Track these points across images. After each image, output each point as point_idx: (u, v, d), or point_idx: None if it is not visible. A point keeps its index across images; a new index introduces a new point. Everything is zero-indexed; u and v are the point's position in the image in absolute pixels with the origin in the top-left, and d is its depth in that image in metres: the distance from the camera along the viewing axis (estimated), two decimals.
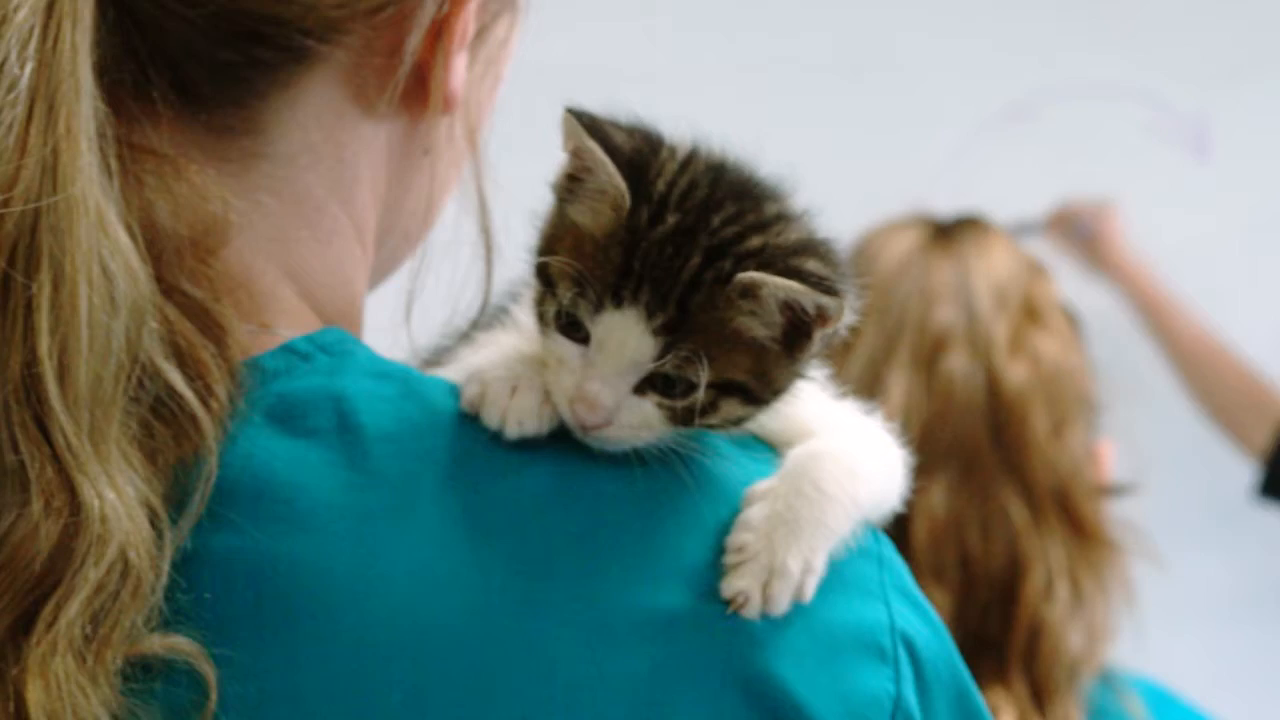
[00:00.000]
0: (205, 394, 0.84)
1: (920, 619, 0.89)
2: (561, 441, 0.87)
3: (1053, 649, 1.67)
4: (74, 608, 0.78)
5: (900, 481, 0.94)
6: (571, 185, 0.89)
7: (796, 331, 0.87)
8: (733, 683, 0.82)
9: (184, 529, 0.81)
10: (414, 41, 0.91)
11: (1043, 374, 1.72)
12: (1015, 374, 1.71)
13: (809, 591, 0.85)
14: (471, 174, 0.98)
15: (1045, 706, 1.66)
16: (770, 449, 0.91)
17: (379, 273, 1.00)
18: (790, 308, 0.86)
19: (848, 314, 0.86)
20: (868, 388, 1.67)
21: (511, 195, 0.98)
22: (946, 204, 2.04)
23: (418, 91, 0.93)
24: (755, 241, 0.87)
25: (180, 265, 0.86)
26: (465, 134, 0.97)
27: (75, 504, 0.79)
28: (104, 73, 0.83)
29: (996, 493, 1.70)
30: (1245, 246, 2.97)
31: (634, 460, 0.86)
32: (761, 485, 0.87)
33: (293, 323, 0.92)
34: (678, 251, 0.85)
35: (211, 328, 0.86)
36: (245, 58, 0.89)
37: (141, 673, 0.80)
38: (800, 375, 0.90)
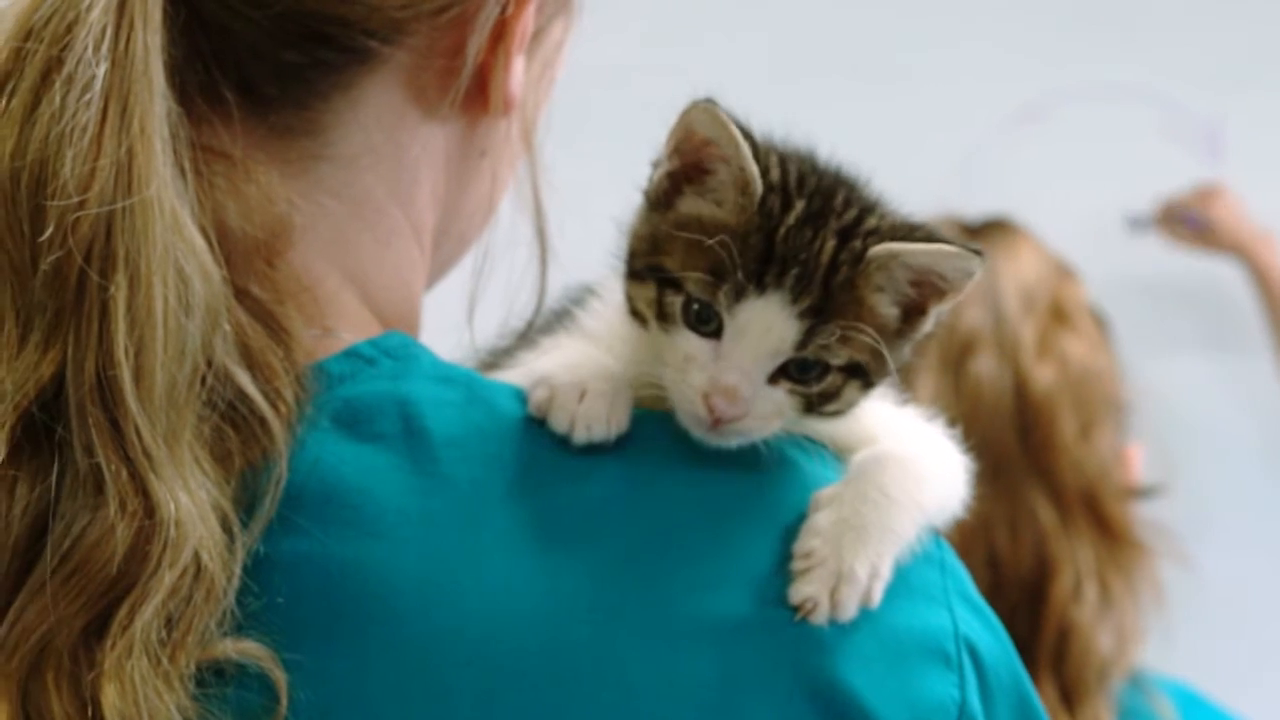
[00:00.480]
0: (274, 397, 0.84)
1: (983, 624, 0.89)
2: (627, 447, 0.87)
3: (1082, 650, 1.67)
4: (149, 611, 0.78)
5: (961, 487, 0.94)
6: (675, 182, 0.90)
7: (911, 311, 0.90)
8: (801, 689, 0.82)
9: (254, 532, 0.81)
10: (477, 43, 0.91)
11: (1070, 376, 1.73)
12: (1043, 376, 1.72)
13: (876, 597, 0.85)
14: (527, 176, 0.98)
15: (1075, 708, 1.66)
16: (833, 455, 0.91)
17: (433, 275, 1.00)
18: (919, 280, 0.88)
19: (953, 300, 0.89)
20: (896, 390, 1.67)
21: (567, 198, 0.98)
22: (961, 206, 2.05)
23: (477, 93, 0.93)
24: (871, 221, 0.89)
25: (249, 268, 0.87)
26: (521, 136, 0.97)
27: (150, 507, 0.79)
28: (175, 74, 0.84)
29: (1025, 494, 1.71)
30: None
31: (701, 464, 0.87)
32: (828, 491, 0.87)
33: (354, 326, 0.91)
34: (815, 235, 0.87)
35: (278, 331, 0.86)
36: (309, 59, 0.89)
37: (214, 677, 0.79)
38: (904, 359, 0.91)
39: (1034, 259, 1.80)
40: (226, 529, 0.81)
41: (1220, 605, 2.67)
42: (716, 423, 0.86)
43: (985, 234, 1.84)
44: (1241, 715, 1.84)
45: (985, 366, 1.72)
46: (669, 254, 0.89)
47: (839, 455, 0.91)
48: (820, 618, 0.83)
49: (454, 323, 0.99)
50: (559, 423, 0.86)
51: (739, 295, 0.86)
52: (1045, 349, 1.74)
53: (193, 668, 0.79)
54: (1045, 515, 1.70)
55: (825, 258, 0.87)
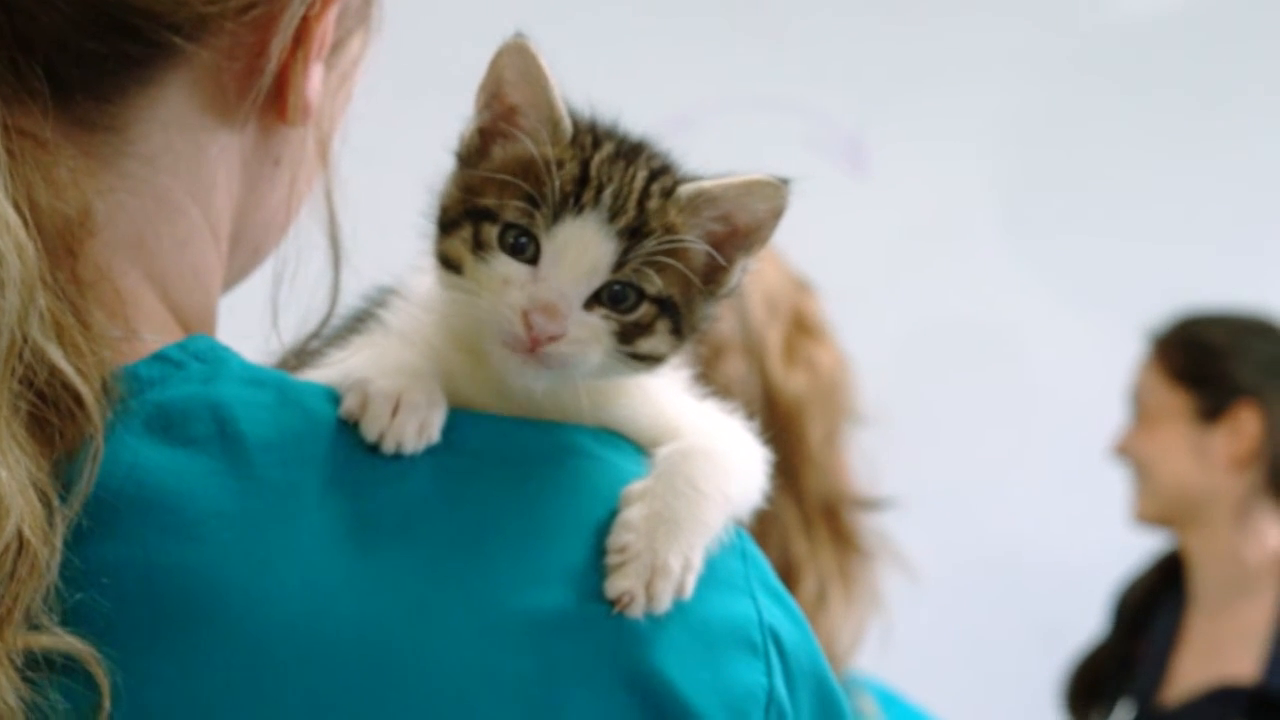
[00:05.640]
0: (85, 374, 0.83)
1: (784, 613, 0.91)
2: (441, 449, 0.87)
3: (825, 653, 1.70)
4: None
5: (762, 479, 0.96)
6: (487, 140, 0.93)
7: (717, 264, 0.92)
8: (620, 681, 0.84)
9: (74, 507, 0.81)
10: (279, 45, 0.91)
11: (820, 385, 1.76)
12: (794, 383, 1.74)
13: (689, 588, 0.86)
14: (321, 188, 0.98)
15: None
16: (638, 449, 0.93)
17: (227, 283, 0.99)
18: (730, 221, 0.91)
19: (758, 250, 0.93)
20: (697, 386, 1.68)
21: (363, 205, 0.99)
22: None
23: (276, 98, 0.93)
24: (682, 172, 0.93)
25: (53, 254, 0.86)
26: (317, 147, 0.97)
27: None
28: None
29: (772, 497, 1.73)
30: (888, 252, 3.16)
31: (512, 462, 0.88)
32: (638, 485, 0.88)
33: (157, 328, 0.91)
34: (627, 165, 0.90)
35: (82, 317, 0.85)
36: (112, 50, 0.88)
37: (45, 666, 0.79)
38: (710, 316, 0.94)
39: (774, 270, 1.83)
40: (46, 504, 0.80)
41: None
42: (534, 343, 0.88)
43: None
44: (937, 714, 1.91)
45: (734, 370, 1.75)
46: (484, 194, 0.91)
47: (644, 450, 0.93)
48: (637, 610, 0.85)
49: (241, 330, 0.98)
50: (369, 433, 0.86)
51: (557, 216, 0.89)
52: (793, 357, 1.77)
53: (21, 646, 0.78)
54: (790, 518, 1.73)
55: (639, 184, 0.90)
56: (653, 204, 0.90)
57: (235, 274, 1.00)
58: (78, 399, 0.82)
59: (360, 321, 0.97)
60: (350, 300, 0.99)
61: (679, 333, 0.92)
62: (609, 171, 0.90)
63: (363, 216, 0.98)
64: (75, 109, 0.89)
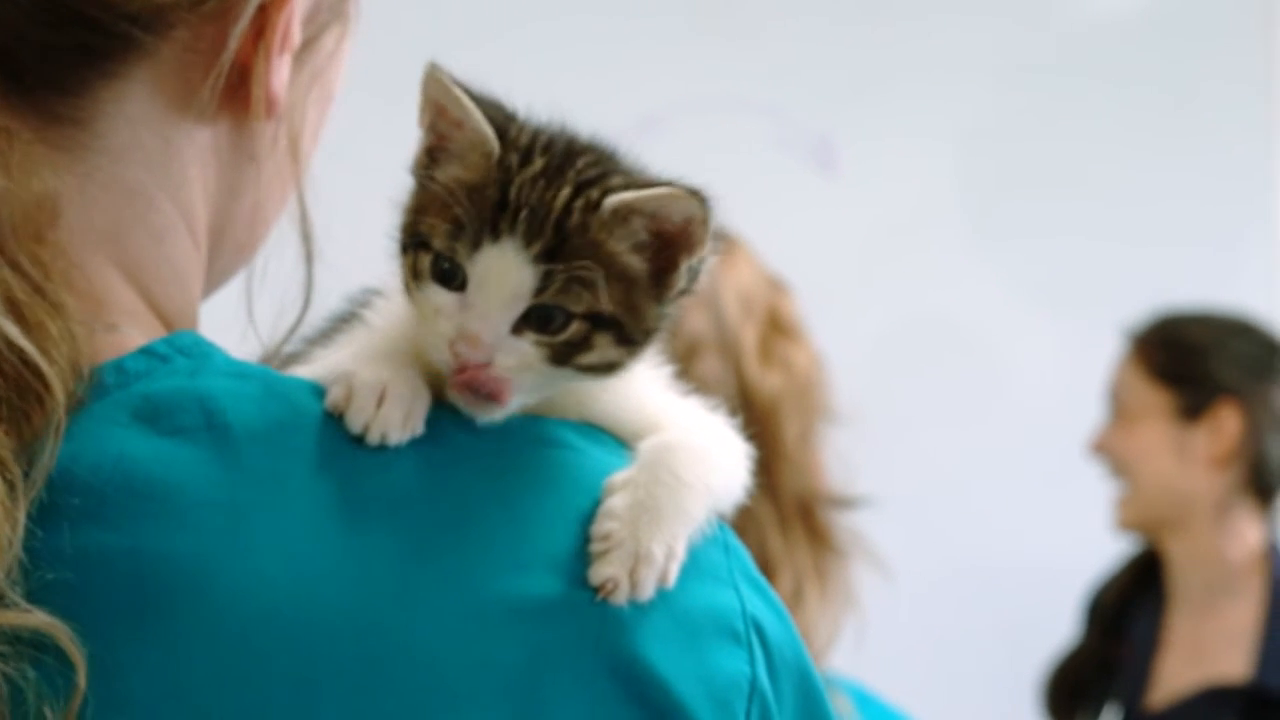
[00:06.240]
0: (49, 352, 0.83)
1: (766, 605, 0.92)
2: (425, 440, 0.88)
3: None
4: None
5: (744, 474, 0.97)
6: (432, 157, 0.92)
7: (663, 267, 0.92)
8: (604, 667, 0.84)
9: (37, 481, 0.81)
10: (237, 32, 0.91)
11: (796, 384, 1.77)
12: (770, 382, 1.75)
13: (672, 577, 0.87)
14: (297, 185, 0.98)
15: None
16: (621, 443, 0.93)
17: (212, 283, 1.00)
18: (658, 228, 0.90)
19: (710, 246, 0.91)
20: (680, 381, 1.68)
21: (338, 204, 0.99)
22: None
23: (240, 93, 0.93)
24: (618, 180, 0.91)
25: (17, 235, 0.86)
26: (288, 144, 0.97)
27: None
28: None
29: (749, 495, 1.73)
30: (858, 252, 3.16)
31: (496, 453, 0.88)
32: (621, 475, 0.89)
33: (138, 323, 0.91)
34: (549, 185, 0.89)
35: (51, 303, 0.86)
36: (72, 42, 0.89)
37: (17, 643, 0.79)
38: (668, 316, 0.94)
39: (750, 270, 1.83)
40: (7, 480, 0.80)
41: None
42: (462, 371, 0.88)
43: None
44: (911, 713, 1.91)
45: (710, 369, 1.75)
46: (424, 219, 0.91)
47: (627, 444, 0.93)
48: (620, 598, 0.85)
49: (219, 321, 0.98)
50: (354, 424, 0.87)
51: (476, 243, 0.88)
52: (768, 356, 1.77)
53: None
54: (765, 517, 1.74)
55: (559, 204, 0.89)
56: (573, 222, 0.89)
57: (219, 273, 1.00)
58: (38, 375, 0.82)
59: (344, 322, 0.98)
60: (332, 301, 1.00)
61: (629, 340, 0.92)
62: (528, 193, 0.89)
63: (339, 216, 0.99)
64: (40, 102, 0.90)
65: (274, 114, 0.94)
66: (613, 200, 0.89)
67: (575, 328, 0.90)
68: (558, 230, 0.88)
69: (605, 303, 0.90)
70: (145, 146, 0.92)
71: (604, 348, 0.91)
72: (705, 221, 0.90)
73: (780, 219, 2.88)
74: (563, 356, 0.90)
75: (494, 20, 2.92)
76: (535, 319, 0.89)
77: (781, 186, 3.11)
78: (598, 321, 0.90)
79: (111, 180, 0.91)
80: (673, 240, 0.91)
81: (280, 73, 0.93)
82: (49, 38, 0.88)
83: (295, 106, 0.97)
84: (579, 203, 0.89)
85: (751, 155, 3.08)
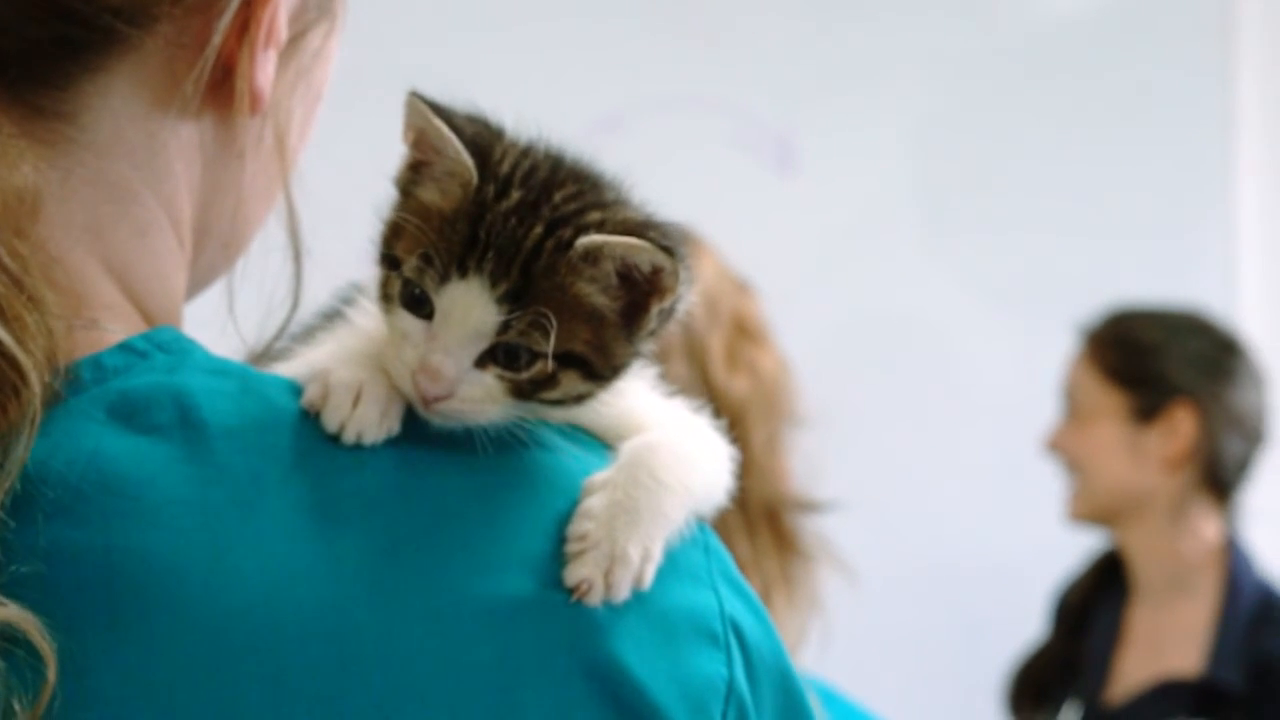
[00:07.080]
0: (26, 344, 0.83)
1: (746, 606, 0.92)
2: (401, 439, 0.88)
3: None
4: None
5: (726, 476, 0.97)
6: (416, 172, 0.91)
7: (635, 306, 0.91)
8: (578, 669, 0.84)
9: (11, 473, 0.81)
10: (221, 26, 0.91)
11: (763, 389, 1.76)
12: (737, 387, 1.74)
13: (648, 578, 0.87)
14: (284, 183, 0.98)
15: None
16: (602, 444, 0.93)
17: (198, 281, 1.00)
18: (628, 273, 0.89)
19: (684, 289, 0.90)
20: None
21: (325, 201, 0.99)
22: None
23: (225, 88, 0.93)
24: (595, 216, 0.90)
25: None
26: (274, 141, 0.97)
27: None
28: None
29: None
30: (816, 251, 3.17)
31: (474, 451, 0.88)
32: (599, 476, 0.89)
33: (119, 319, 0.91)
34: (521, 222, 0.88)
35: (30, 296, 0.85)
36: (55, 35, 0.89)
37: None
38: (638, 354, 0.93)
39: (714, 271, 1.82)
40: None
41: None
42: (424, 402, 0.88)
43: None
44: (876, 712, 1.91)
45: (676, 374, 1.74)
46: (400, 239, 0.91)
47: (608, 444, 0.93)
48: (595, 599, 0.85)
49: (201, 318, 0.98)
50: (330, 423, 0.86)
51: (444, 276, 0.88)
52: (735, 361, 1.77)
53: None
54: (733, 522, 1.73)
55: (528, 244, 0.88)
56: (542, 264, 0.88)
57: (205, 270, 1.00)
58: (15, 366, 0.82)
59: (329, 319, 0.98)
60: (317, 296, 1.00)
61: (597, 376, 0.91)
62: (499, 231, 0.88)
63: (326, 214, 0.98)
64: (23, 95, 0.89)
65: (259, 110, 0.94)
66: (583, 242, 0.88)
67: (540, 365, 0.89)
68: (524, 272, 0.87)
69: (571, 342, 0.89)
70: (129, 141, 0.92)
71: (570, 384, 0.90)
72: (675, 273, 0.89)
73: (738, 218, 2.89)
74: (527, 392, 0.89)
75: (455, 21, 2.92)
76: (501, 355, 0.88)
77: (740, 185, 3.12)
78: (565, 359, 0.89)
79: (95, 175, 0.91)
80: (641, 284, 0.90)
81: (265, 68, 0.93)
82: (32, 31, 0.88)
83: (281, 103, 0.96)
84: (549, 243, 0.88)
85: (710, 154, 3.09)
